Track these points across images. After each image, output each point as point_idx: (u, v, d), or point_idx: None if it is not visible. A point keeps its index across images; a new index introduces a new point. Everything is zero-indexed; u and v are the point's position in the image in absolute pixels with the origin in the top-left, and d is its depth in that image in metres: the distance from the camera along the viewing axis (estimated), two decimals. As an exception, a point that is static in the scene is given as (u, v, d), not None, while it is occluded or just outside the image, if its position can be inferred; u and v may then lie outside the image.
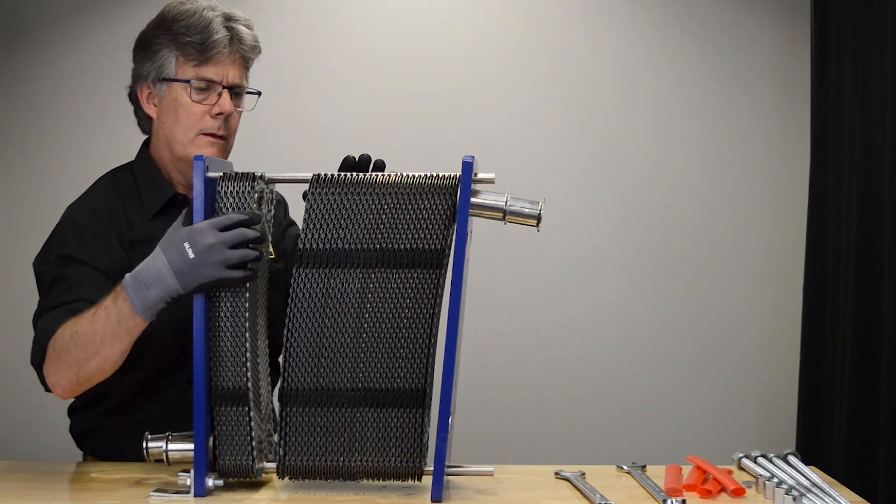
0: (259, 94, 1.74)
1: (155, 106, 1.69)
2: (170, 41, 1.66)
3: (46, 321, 1.55)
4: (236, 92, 1.69)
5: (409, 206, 1.42)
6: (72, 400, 1.74)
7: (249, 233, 1.39)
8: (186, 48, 1.64)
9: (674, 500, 1.39)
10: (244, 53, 1.68)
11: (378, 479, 1.44)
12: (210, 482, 1.42)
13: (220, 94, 1.66)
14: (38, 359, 1.54)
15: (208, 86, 1.66)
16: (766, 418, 3.07)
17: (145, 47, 1.69)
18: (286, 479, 1.45)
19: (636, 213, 3.08)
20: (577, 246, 3.07)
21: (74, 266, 1.60)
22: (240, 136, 3.37)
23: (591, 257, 3.08)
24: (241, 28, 1.67)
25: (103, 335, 1.44)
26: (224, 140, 1.69)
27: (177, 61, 1.66)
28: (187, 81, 1.64)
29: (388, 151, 3.01)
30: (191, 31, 1.64)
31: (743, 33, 3.06)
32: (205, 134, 1.67)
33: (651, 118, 3.08)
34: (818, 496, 1.41)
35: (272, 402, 1.56)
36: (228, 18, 1.67)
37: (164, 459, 1.46)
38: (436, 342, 1.42)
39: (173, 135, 1.67)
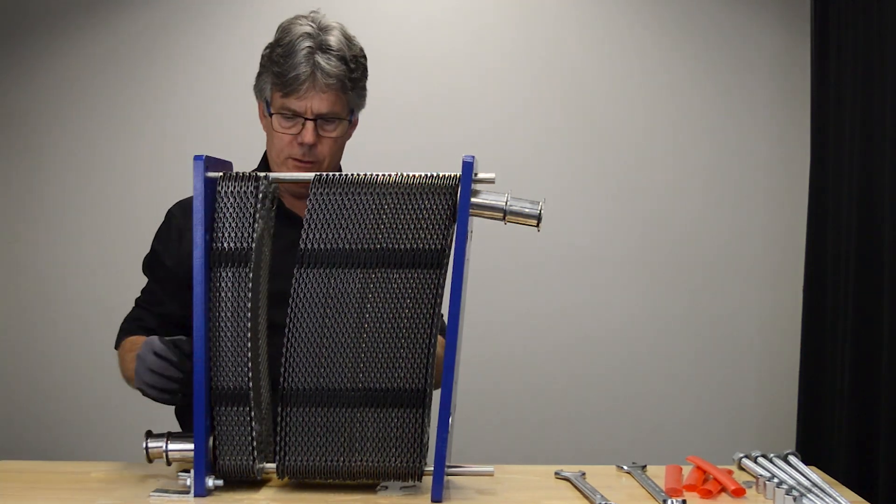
0: (349, 121, 1.76)
1: (264, 119, 1.78)
2: (269, 66, 1.72)
3: (126, 320, 1.83)
4: (327, 119, 1.71)
5: (410, 206, 1.42)
6: None
7: (167, 370, 1.48)
8: (276, 77, 1.70)
9: (674, 501, 1.39)
10: (329, 83, 1.69)
11: (378, 479, 1.44)
12: (210, 482, 1.42)
13: (304, 124, 1.70)
14: (116, 348, 1.80)
15: (294, 115, 1.70)
16: (766, 418, 3.07)
17: (259, 63, 1.77)
18: (286, 478, 1.45)
19: (638, 214, 3.08)
20: (577, 246, 3.07)
21: (155, 263, 1.82)
22: (240, 136, 3.36)
23: (591, 258, 3.08)
24: (325, 61, 1.67)
25: (130, 376, 1.64)
26: (311, 164, 1.73)
27: (271, 88, 1.72)
28: (274, 114, 1.72)
29: (388, 151, 3.05)
30: (280, 61, 1.69)
31: (743, 33, 3.06)
32: (293, 159, 1.73)
33: (651, 119, 3.08)
34: (818, 496, 1.41)
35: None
36: (318, 48, 1.68)
37: (165, 459, 1.46)
38: (436, 342, 1.42)
39: (270, 153, 1.77)
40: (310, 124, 1.69)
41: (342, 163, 1.84)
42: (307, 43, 1.68)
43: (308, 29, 1.69)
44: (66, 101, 3.15)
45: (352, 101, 1.75)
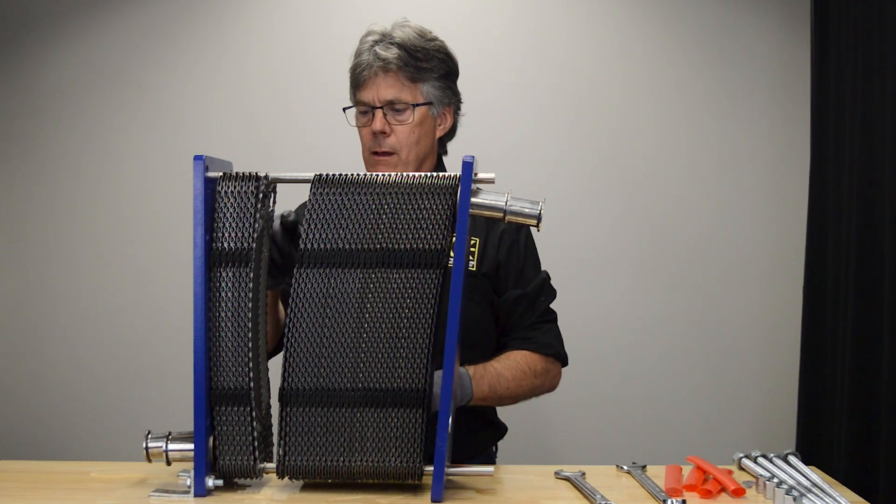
0: (417, 105, 1.78)
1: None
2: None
3: None
4: (397, 108, 1.77)
5: (410, 206, 1.42)
6: None
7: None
8: (350, 77, 1.82)
9: (674, 500, 1.39)
10: (391, 69, 1.75)
11: (378, 479, 1.44)
12: (210, 482, 1.42)
13: (374, 114, 1.77)
14: None
15: (367, 107, 1.78)
16: (766, 418, 3.07)
17: None
18: (286, 478, 1.45)
19: (637, 214, 3.07)
20: (577, 246, 3.07)
21: None
22: (240, 136, 3.33)
23: (591, 257, 3.08)
24: (383, 49, 1.75)
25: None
26: (390, 155, 1.78)
27: (350, 90, 1.83)
28: (350, 107, 1.82)
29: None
30: (353, 59, 1.80)
31: (743, 34, 3.06)
32: (373, 153, 1.79)
33: (651, 119, 3.07)
34: (818, 496, 1.41)
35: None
36: (381, 39, 1.77)
37: (165, 459, 1.46)
38: (433, 341, 1.42)
39: (362, 155, 1.83)
40: (378, 112, 1.76)
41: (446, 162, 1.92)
42: (372, 38, 1.78)
43: (379, 29, 1.79)
44: (68, 103, 3.14)
45: (427, 92, 1.80)
